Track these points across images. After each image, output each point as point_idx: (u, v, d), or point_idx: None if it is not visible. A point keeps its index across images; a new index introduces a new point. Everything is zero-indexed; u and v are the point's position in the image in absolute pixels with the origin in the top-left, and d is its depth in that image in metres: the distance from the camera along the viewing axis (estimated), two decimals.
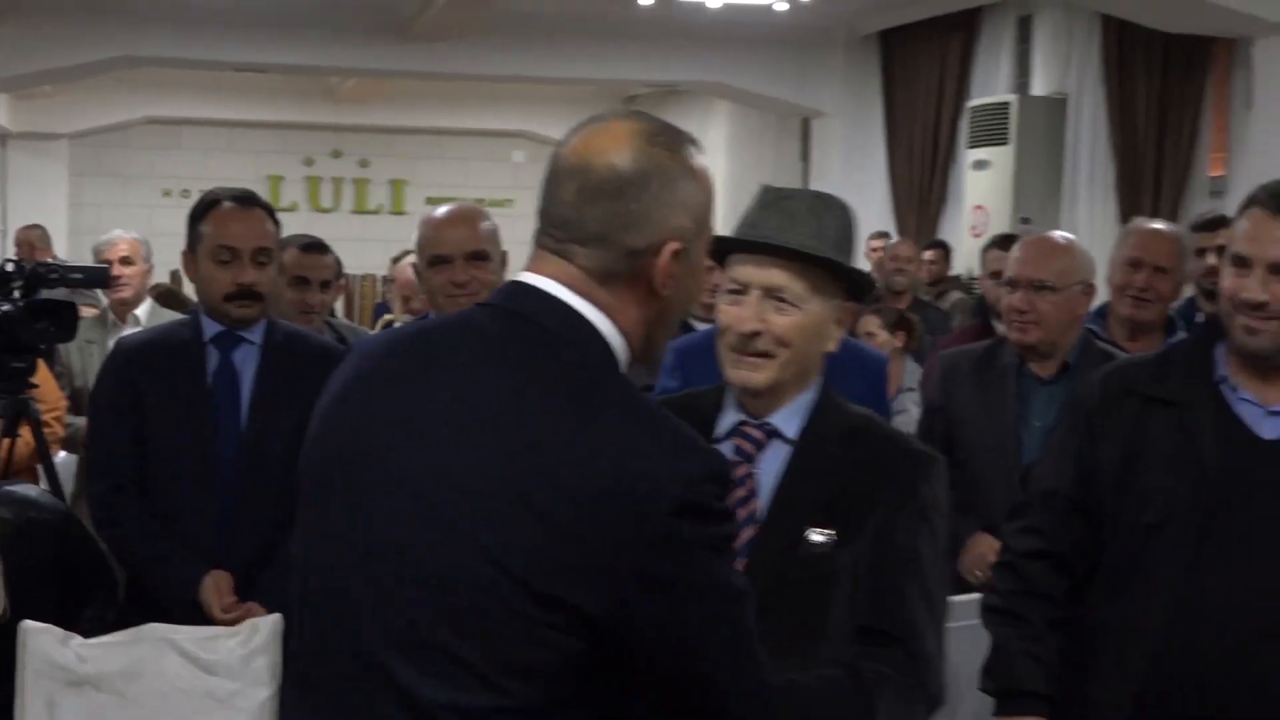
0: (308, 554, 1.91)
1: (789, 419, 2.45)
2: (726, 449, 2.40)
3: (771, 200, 2.43)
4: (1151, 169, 10.02)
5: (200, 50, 12.75)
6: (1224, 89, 9.60)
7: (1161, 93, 9.92)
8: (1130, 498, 2.71)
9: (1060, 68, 11.16)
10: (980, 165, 11.17)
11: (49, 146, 17.73)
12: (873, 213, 13.00)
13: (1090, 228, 10.55)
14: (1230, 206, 9.12)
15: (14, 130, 17.15)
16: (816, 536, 2.33)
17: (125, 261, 6.34)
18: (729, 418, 2.47)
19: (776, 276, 2.35)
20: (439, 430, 1.76)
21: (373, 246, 16.26)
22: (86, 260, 6.69)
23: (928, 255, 9.75)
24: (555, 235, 1.84)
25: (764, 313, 2.35)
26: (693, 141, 1.91)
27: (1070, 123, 11.00)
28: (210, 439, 3.62)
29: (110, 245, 6.46)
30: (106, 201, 17.87)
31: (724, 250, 2.38)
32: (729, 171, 14.84)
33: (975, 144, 11.26)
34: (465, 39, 12.56)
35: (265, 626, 3.35)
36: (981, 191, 11.14)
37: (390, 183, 19.33)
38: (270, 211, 3.79)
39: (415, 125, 18.38)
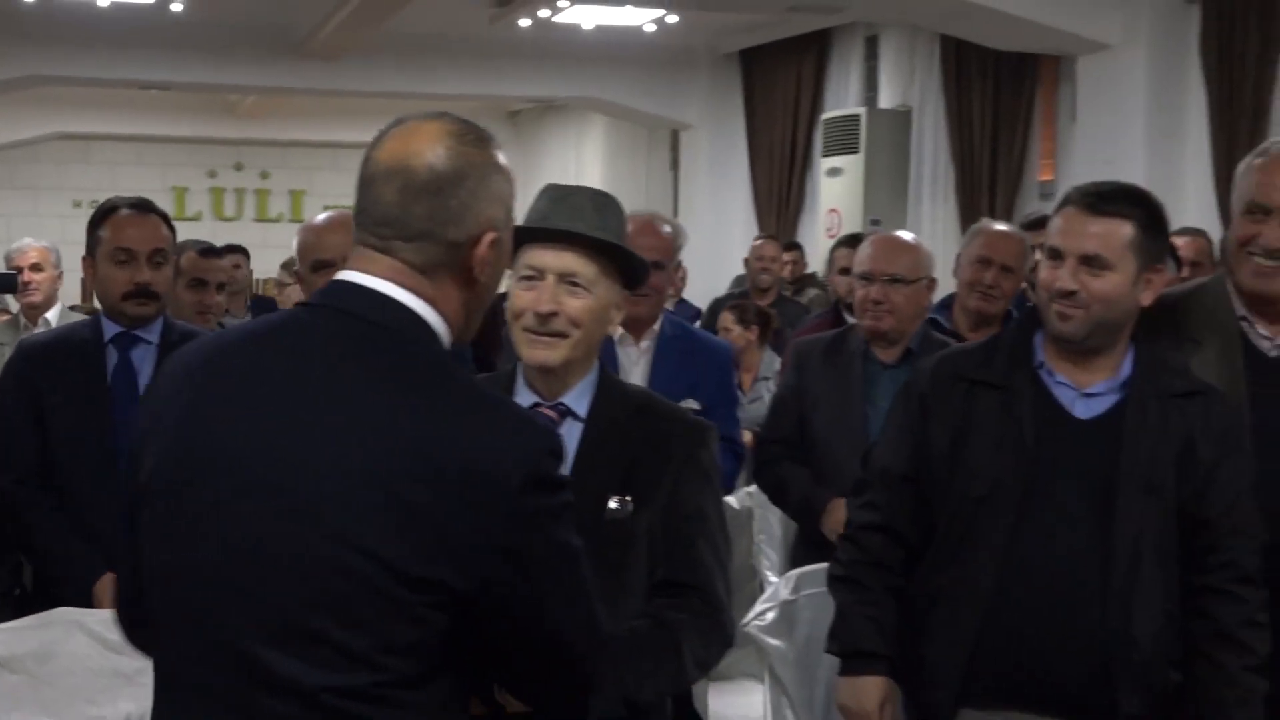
0: (163, 563, 1.83)
1: (579, 399, 2.55)
2: None
3: (559, 196, 2.53)
4: (987, 174, 10.16)
5: (103, 69, 12.49)
6: (1051, 102, 9.78)
7: (995, 105, 10.06)
8: (959, 473, 2.76)
9: (904, 83, 11.31)
10: (834, 172, 11.27)
11: None
12: (737, 216, 13.18)
13: (933, 228, 10.76)
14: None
15: None
16: (614, 504, 2.47)
17: (35, 268, 6.32)
18: (523, 399, 2.53)
19: (570, 262, 2.44)
20: (290, 427, 1.73)
21: (273, 253, 15.89)
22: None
23: (787, 256, 9.80)
24: (379, 234, 1.81)
25: (559, 296, 2.43)
26: (494, 138, 1.90)
27: (914, 133, 11.16)
28: (110, 432, 3.54)
29: (21, 253, 6.43)
30: (18, 212, 17.28)
31: (520, 240, 2.41)
32: (605, 179, 14.75)
33: (829, 153, 11.34)
34: (357, 58, 12.42)
35: None
36: (835, 196, 11.24)
37: (290, 192, 19.07)
38: (165, 217, 3.73)
39: (312, 139, 18.09)
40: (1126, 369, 2.76)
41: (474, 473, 1.68)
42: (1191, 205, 8.42)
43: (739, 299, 7.96)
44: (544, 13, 11.04)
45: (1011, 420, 2.72)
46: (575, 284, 2.44)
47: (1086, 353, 2.74)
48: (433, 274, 1.81)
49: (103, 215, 3.67)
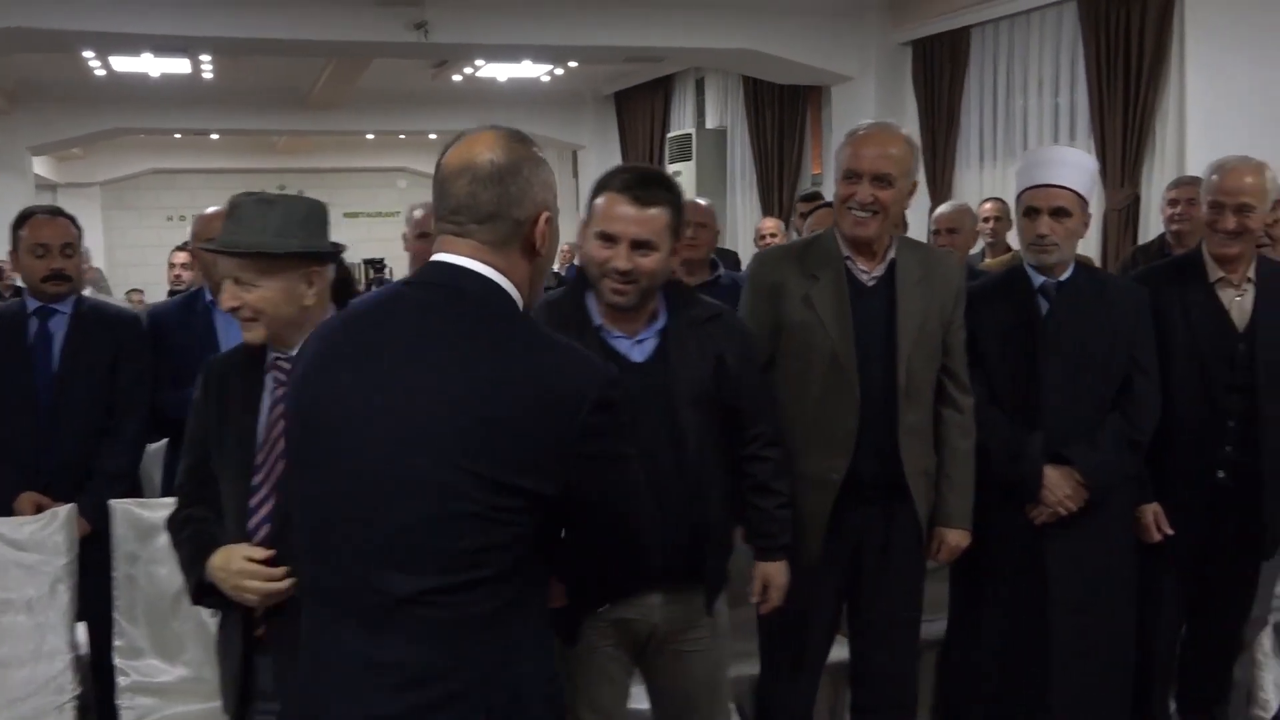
0: (299, 493, 1.62)
1: None
2: (268, 380, 2.13)
3: (229, 210, 2.11)
4: (777, 172, 9.88)
5: (159, 121, 12.01)
6: (819, 119, 9.47)
7: (781, 123, 9.80)
8: None
9: (721, 110, 10.97)
10: (675, 174, 10.86)
11: (86, 191, 16.51)
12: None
13: (744, 214, 10.47)
14: (827, 194, 9.17)
15: (60, 181, 15.95)
16: None
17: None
18: (272, 355, 2.16)
19: (234, 268, 2.08)
20: (400, 375, 1.52)
21: None
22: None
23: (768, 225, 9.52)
24: (455, 220, 1.58)
25: (237, 293, 2.07)
26: (534, 141, 1.68)
27: (729, 145, 10.81)
28: (30, 376, 3.18)
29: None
30: (126, 225, 16.81)
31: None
32: None
33: (672, 161, 10.97)
34: (344, 107, 11.99)
35: (61, 513, 2.94)
36: None
37: None
38: (72, 219, 3.33)
39: (335, 167, 17.38)
40: (662, 313, 2.37)
41: (556, 396, 1.50)
42: None
43: None
44: (468, 70, 10.59)
45: None
46: (243, 282, 2.07)
47: (633, 309, 2.33)
48: (504, 250, 1.58)
49: (23, 220, 3.27)
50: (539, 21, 7.70)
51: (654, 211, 2.25)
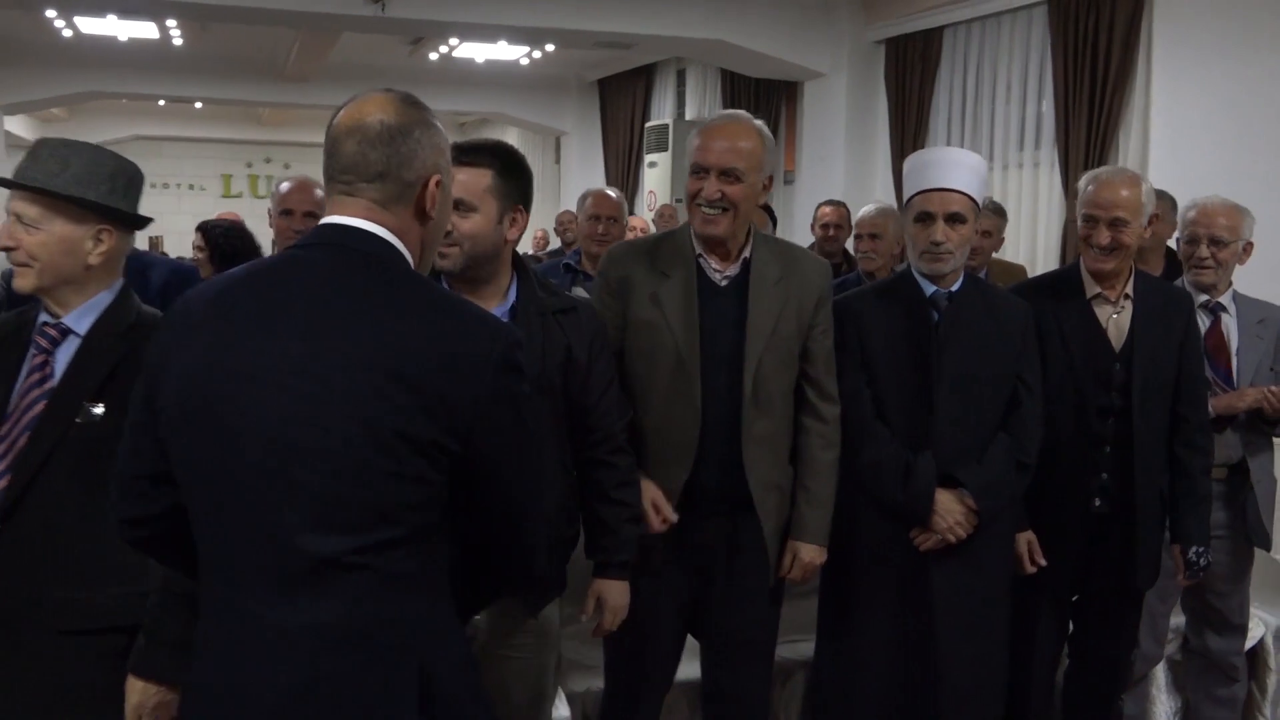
0: (202, 467, 1.50)
1: (80, 319, 2.04)
2: (31, 346, 2.00)
3: (32, 147, 2.01)
4: None
5: (136, 86, 11.82)
6: (793, 114, 9.28)
7: (755, 116, 9.58)
8: None
9: (699, 101, 10.79)
10: (652, 165, 10.77)
11: None
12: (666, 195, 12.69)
13: None
14: (799, 192, 9.04)
15: None
16: (96, 409, 1.98)
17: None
18: (41, 319, 2.04)
19: (21, 207, 1.96)
20: (304, 338, 1.45)
21: None
22: None
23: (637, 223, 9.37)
24: (345, 180, 1.54)
25: (15, 233, 1.96)
26: (427, 105, 1.62)
27: None
28: None
29: None
30: None
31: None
32: None
33: (649, 151, 10.82)
34: (321, 81, 11.83)
35: None
36: (653, 182, 10.70)
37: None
38: None
39: (317, 141, 17.01)
40: (512, 294, 2.27)
41: (463, 354, 1.47)
42: (879, 186, 8.08)
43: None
44: (443, 49, 10.43)
45: None
46: (26, 223, 1.97)
47: (472, 282, 2.24)
48: (394, 210, 1.54)
49: None
50: (508, 1, 7.56)
51: (473, 171, 2.18)
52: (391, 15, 7.22)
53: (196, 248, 4.25)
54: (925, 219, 2.69)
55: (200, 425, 1.49)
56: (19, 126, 13.81)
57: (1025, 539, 2.88)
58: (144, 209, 2.16)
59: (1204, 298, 3.19)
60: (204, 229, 4.22)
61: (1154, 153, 6.07)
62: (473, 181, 2.17)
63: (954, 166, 2.70)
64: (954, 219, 2.66)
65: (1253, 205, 3.26)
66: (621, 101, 12.16)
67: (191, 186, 18.31)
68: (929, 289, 2.73)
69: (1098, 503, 2.88)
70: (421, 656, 1.48)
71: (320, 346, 1.45)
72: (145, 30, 9.71)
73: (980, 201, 2.74)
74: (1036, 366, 2.78)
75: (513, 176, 2.24)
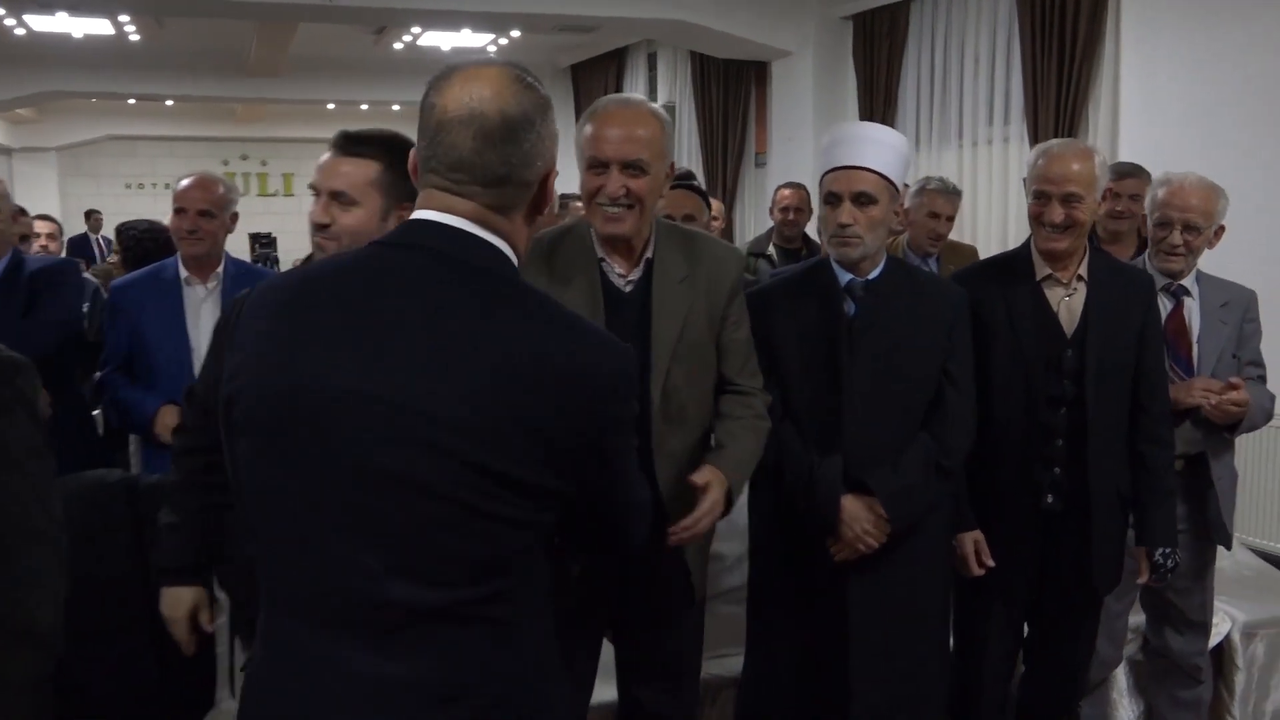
0: (273, 492, 1.31)
1: None
2: None
3: None
4: (720, 150, 9.54)
5: (97, 85, 11.60)
6: (763, 94, 9.08)
7: (725, 100, 9.45)
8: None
9: (671, 84, 10.59)
10: None
11: (42, 157, 16.12)
12: (573, 185, 12.41)
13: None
14: (771, 174, 8.84)
15: (15, 146, 15.58)
16: None
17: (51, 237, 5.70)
18: None
19: None
20: (422, 362, 1.25)
21: (273, 218, 15.29)
22: None
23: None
24: (453, 179, 1.32)
25: None
26: (540, 80, 1.40)
27: (678, 123, 10.40)
28: None
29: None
30: (86, 193, 16.34)
31: None
32: None
33: None
34: (284, 75, 11.61)
35: None
36: None
37: (282, 175, 17.92)
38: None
39: (295, 136, 16.91)
40: None
41: (577, 382, 1.28)
42: None
43: None
44: (407, 38, 10.22)
45: None
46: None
47: None
48: (509, 214, 1.35)
49: None
50: None
51: (358, 162, 2.02)
52: (343, 4, 7.00)
53: (114, 250, 4.07)
54: (832, 200, 2.46)
55: (279, 448, 1.29)
56: None
57: (972, 539, 2.68)
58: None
59: (1165, 281, 2.99)
60: (119, 231, 4.04)
61: (1124, 125, 5.88)
62: (357, 173, 2.03)
63: (866, 143, 2.47)
64: (862, 200, 2.44)
65: (1225, 177, 3.04)
66: (594, 87, 11.93)
67: (168, 186, 18.03)
68: (844, 277, 2.51)
69: (1050, 499, 2.68)
70: (520, 711, 1.34)
71: (430, 370, 1.24)
72: (100, 27, 9.48)
73: (898, 182, 2.53)
74: (967, 359, 2.57)
75: (402, 171, 2.05)
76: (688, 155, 10.26)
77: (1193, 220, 2.90)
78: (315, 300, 1.31)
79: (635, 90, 11.21)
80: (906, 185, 5.04)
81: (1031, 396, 2.65)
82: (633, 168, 2.18)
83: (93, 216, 12.22)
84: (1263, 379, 3.02)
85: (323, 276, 1.35)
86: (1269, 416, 3.01)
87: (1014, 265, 2.73)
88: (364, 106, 13.09)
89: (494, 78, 1.32)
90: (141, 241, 3.96)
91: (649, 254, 2.30)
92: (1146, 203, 3.02)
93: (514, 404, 1.25)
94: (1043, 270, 2.69)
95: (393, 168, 2.00)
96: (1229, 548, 3.04)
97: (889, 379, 2.50)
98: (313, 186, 2.04)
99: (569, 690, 1.44)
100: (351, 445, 1.25)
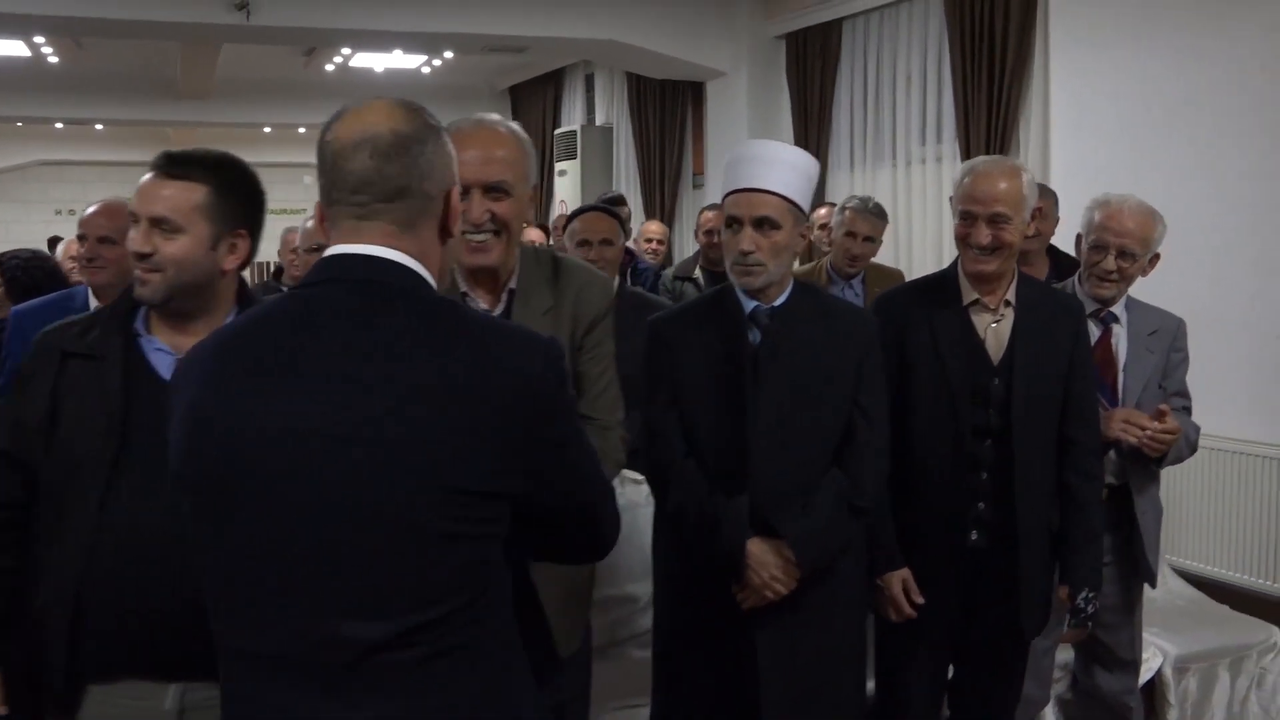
0: (221, 543, 1.29)
1: None
2: None
3: None
4: (658, 171, 9.41)
5: (16, 109, 11.25)
6: (700, 114, 8.96)
7: (662, 121, 9.33)
8: (52, 445, 1.80)
9: (608, 106, 10.45)
10: (562, 173, 10.41)
11: None
12: None
13: (633, 216, 9.78)
14: (708, 195, 8.72)
15: None
16: None
17: None
18: None
19: None
20: (351, 394, 1.25)
21: None
22: None
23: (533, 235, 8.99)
24: (357, 201, 1.33)
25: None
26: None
27: (615, 143, 10.29)
28: None
29: None
30: (14, 219, 15.93)
31: None
32: None
33: (560, 159, 10.46)
34: (216, 98, 11.34)
35: None
36: (563, 191, 10.33)
37: None
38: None
39: None
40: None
41: (514, 385, 1.29)
42: None
43: None
44: (338, 59, 10.01)
45: (102, 388, 1.81)
46: None
47: (178, 315, 1.87)
48: (416, 231, 1.35)
49: None
50: (387, 6, 7.15)
51: (182, 185, 1.84)
52: (257, 23, 6.78)
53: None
54: (733, 224, 2.32)
55: (227, 502, 1.27)
56: None
57: (899, 578, 2.54)
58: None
59: (1095, 307, 2.87)
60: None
61: (1055, 142, 5.81)
62: (180, 198, 1.84)
63: (769, 164, 2.32)
64: (764, 225, 2.29)
65: (1158, 195, 2.94)
66: (533, 109, 11.78)
67: None
68: (749, 305, 2.36)
69: (975, 536, 2.54)
70: None
71: (359, 401, 1.25)
72: (14, 49, 9.17)
73: (803, 204, 2.38)
74: (879, 390, 2.42)
75: (233, 195, 1.88)
76: (625, 177, 10.13)
77: (1128, 246, 2.79)
78: (239, 354, 1.31)
79: (574, 111, 11.06)
80: (833, 205, 4.93)
81: (956, 427, 2.52)
82: (495, 190, 2.02)
83: None
84: (1188, 410, 2.91)
85: (244, 330, 1.34)
86: (1194, 449, 2.91)
87: (941, 288, 2.61)
88: (301, 130, 12.80)
89: (383, 107, 1.36)
90: (29, 271, 3.76)
91: (511, 284, 2.13)
92: (1082, 224, 2.90)
93: (452, 416, 1.25)
94: (970, 294, 2.56)
95: (221, 191, 1.85)
96: (1154, 585, 2.91)
97: (797, 411, 2.34)
98: (132, 213, 1.84)
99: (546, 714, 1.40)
100: (294, 485, 1.23)
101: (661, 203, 9.34)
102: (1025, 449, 2.50)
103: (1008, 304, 2.56)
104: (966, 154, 6.19)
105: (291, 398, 1.25)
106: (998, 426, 2.51)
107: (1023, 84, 5.94)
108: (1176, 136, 5.07)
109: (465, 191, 1.99)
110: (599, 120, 10.56)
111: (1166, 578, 4.04)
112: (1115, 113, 5.40)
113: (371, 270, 1.32)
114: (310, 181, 9.21)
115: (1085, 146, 5.58)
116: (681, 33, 7.85)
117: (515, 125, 2.11)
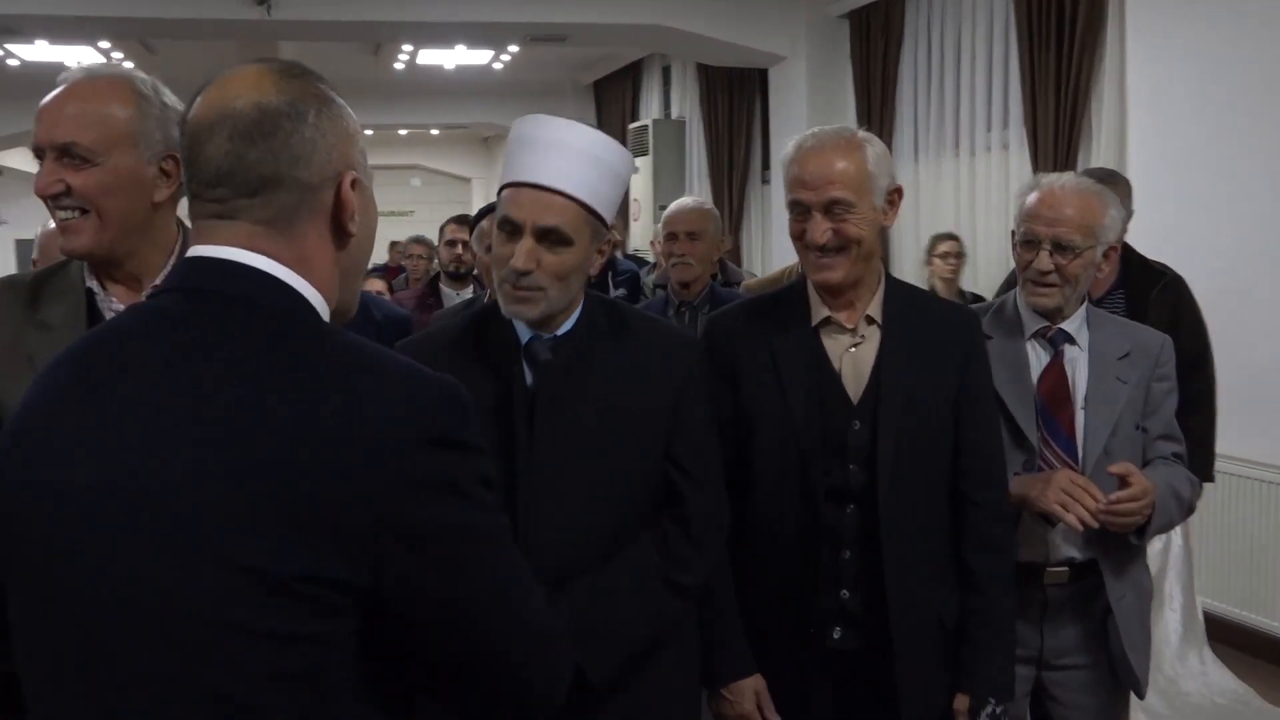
0: (29, 630, 1.04)
1: None
2: None
3: None
4: (727, 163, 8.85)
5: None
6: (767, 104, 8.33)
7: (730, 112, 8.78)
8: None
9: (682, 98, 9.91)
10: (634, 170, 9.92)
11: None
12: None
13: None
14: (776, 188, 8.09)
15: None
16: None
17: None
18: None
19: None
20: (152, 437, 0.97)
21: None
22: None
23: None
24: (217, 196, 1.04)
25: None
26: (322, 76, 1.11)
27: (687, 137, 9.75)
28: None
29: None
30: None
31: None
32: None
33: (636, 154, 9.95)
34: None
35: None
36: (636, 189, 9.84)
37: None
38: None
39: None
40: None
41: (357, 438, 0.95)
42: None
43: None
44: (404, 56, 9.75)
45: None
46: None
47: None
48: (291, 231, 1.05)
49: None
50: None
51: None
52: (279, 18, 6.52)
53: None
54: (509, 229, 1.72)
55: (17, 565, 1.02)
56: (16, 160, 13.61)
57: (751, 689, 1.94)
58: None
59: (1041, 324, 2.18)
60: None
61: (1133, 124, 5.01)
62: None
63: (564, 153, 1.69)
64: (550, 237, 1.69)
65: (1240, 176, 2.22)
66: (614, 103, 11.37)
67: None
68: (525, 334, 1.78)
69: (838, 634, 1.93)
70: None
71: (160, 447, 0.97)
72: (90, 56, 9.24)
73: (608, 215, 1.77)
74: (703, 436, 1.81)
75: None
76: (696, 172, 9.58)
77: (1065, 237, 2.10)
78: (69, 369, 1.05)
79: (650, 105, 10.56)
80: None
81: (806, 488, 1.90)
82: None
83: None
84: (1180, 458, 2.18)
85: (90, 338, 1.08)
86: (1190, 509, 2.19)
87: (787, 305, 1.99)
88: (369, 132, 12.69)
89: (250, 75, 1.07)
90: None
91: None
92: (1014, 216, 2.23)
93: (271, 477, 0.94)
94: (820, 312, 1.95)
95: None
96: (1141, 696, 2.20)
97: (587, 468, 1.76)
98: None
99: None
100: (76, 554, 0.97)
101: (730, 199, 8.74)
102: (897, 516, 1.87)
103: (870, 321, 1.93)
104: (1034, 140, 5.42)
105: (89, 439, 0.99)
106: (860, 486, 1.88)
107: (1094, 60, 5.13)
108: (1265, 110, 4.22)
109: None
110: (675, 113, 10.04)
111: (1207, 666, 3.26)
112: (1197, 89, 4.59)
113: (223, 280, 1.03)
114: (418, 183, 8.90)
115: (1165, 126, 4.78)
116: (733, 15, 7.25)
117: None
